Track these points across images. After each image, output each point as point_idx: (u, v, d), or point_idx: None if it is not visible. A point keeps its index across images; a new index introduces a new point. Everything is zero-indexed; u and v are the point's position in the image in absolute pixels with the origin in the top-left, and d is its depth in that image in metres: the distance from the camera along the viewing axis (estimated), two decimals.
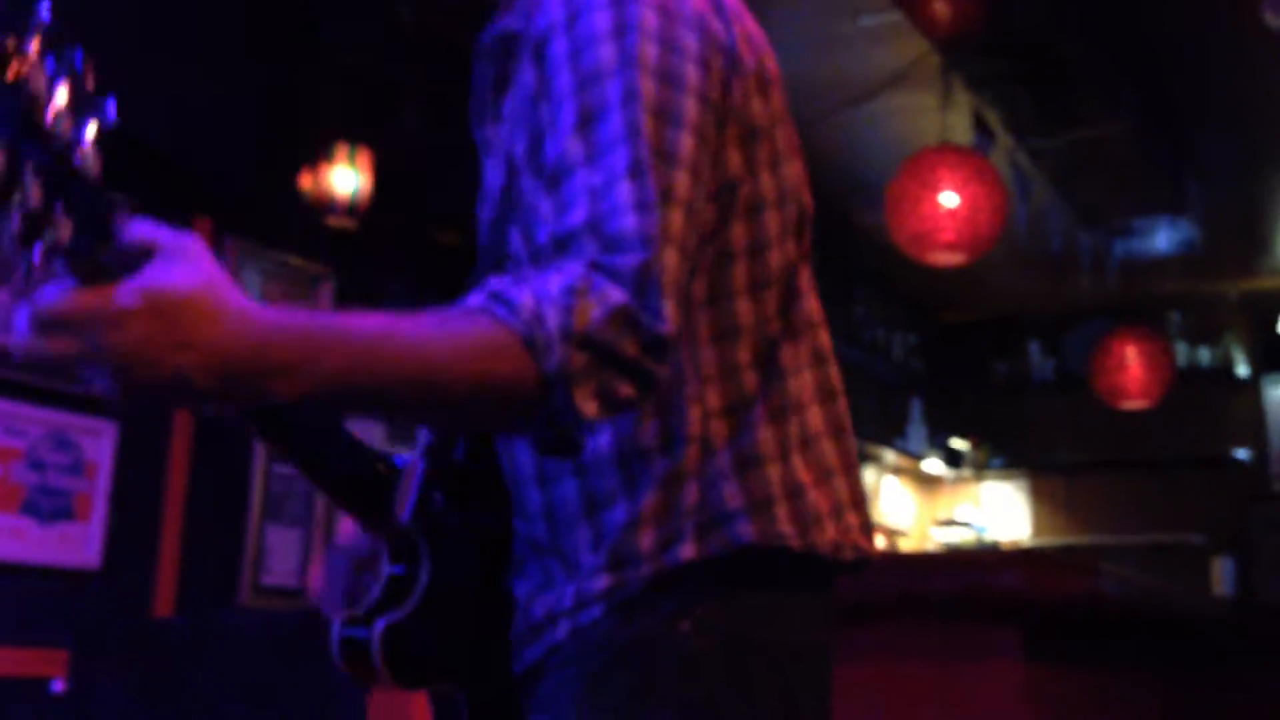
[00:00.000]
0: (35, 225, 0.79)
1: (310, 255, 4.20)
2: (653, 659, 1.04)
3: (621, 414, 0.97)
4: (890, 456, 7.63)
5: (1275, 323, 7.29)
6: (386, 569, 1.14)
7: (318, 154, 4.08)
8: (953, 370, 8.02)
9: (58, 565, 3.40)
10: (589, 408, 0.92)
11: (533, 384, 0.91)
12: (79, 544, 3.44)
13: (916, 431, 7.78)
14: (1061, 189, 5.69)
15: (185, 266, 0.83)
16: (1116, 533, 7.29)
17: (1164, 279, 7.03)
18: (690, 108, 1.01)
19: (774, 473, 1.08)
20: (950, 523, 7.83)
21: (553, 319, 0.90)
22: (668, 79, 1.01)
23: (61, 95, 0.79)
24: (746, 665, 1.06)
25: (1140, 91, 5.07)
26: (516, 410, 0.93)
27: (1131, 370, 6.42)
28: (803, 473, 1.10)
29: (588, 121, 0.99)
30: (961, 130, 4.80)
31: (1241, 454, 7.25)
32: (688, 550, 1.04)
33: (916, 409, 7.81)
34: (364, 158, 4.11)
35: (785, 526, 1.07)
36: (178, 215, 3.44)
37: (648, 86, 1.00)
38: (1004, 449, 7.93)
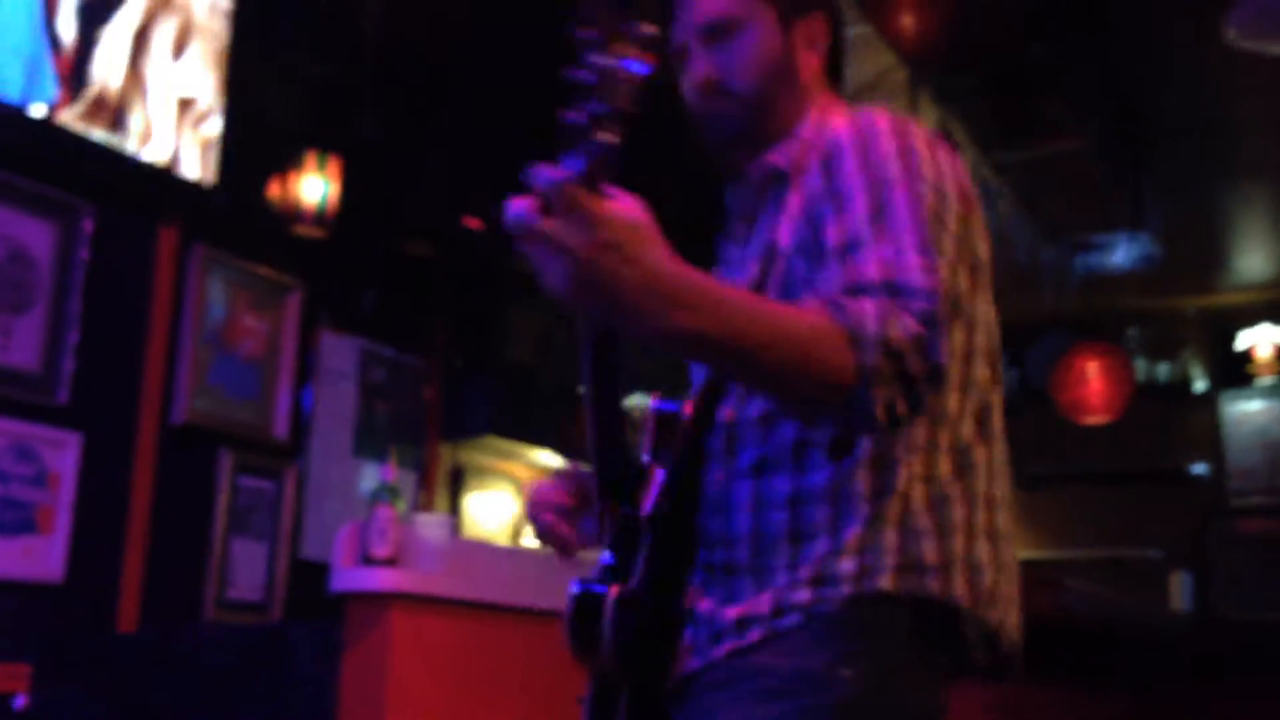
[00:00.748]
0: (595, 124, 1.02)
1: (279, 265, 4.17)
2: (808, 696, 1.21)
3: (891, 429, 1.15)
4: None
5: (1233, 338, 7.39)
6: (608, 549, 1.32)
7: (286, 162, 4.06)
8: None
9: (20, 579, 3.35)
10: (879, 409, 1.11)
11: (850, 372, 1.10)
12: (42, 557, 3.39)
13: None
14: (1026, 203, 5.74)
15: (641, 210, 1.04)
16: (1077, 547, 7.35)
17: (1124, 294, 7.11)
18: (952, 221, 1.27)
19: (960, 545, 1.27)
20: None
21: (872, 326, 1.11)
22: (939, 193, 1.27)
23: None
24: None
25: (1102, 107, 5.13)
26: (829, 391, 1.11)
27: (1092, 385, 6.49)
28: (985, 556, 1.30)
29: (879, 212, 1.23)
30: None
31: (1199, 469, 7.33)
32: (886, 581, 1.23)
33: None
34: (333, 166, 4.09)
35: (961, 591, 1.26)
36: (143, 222, 3.39)
37: (927, 195, 1.25)
38: None
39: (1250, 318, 7.32)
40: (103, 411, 3.60)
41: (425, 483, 4.77)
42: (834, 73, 1.51)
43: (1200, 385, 7.44)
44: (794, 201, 1.35)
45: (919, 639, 1.24)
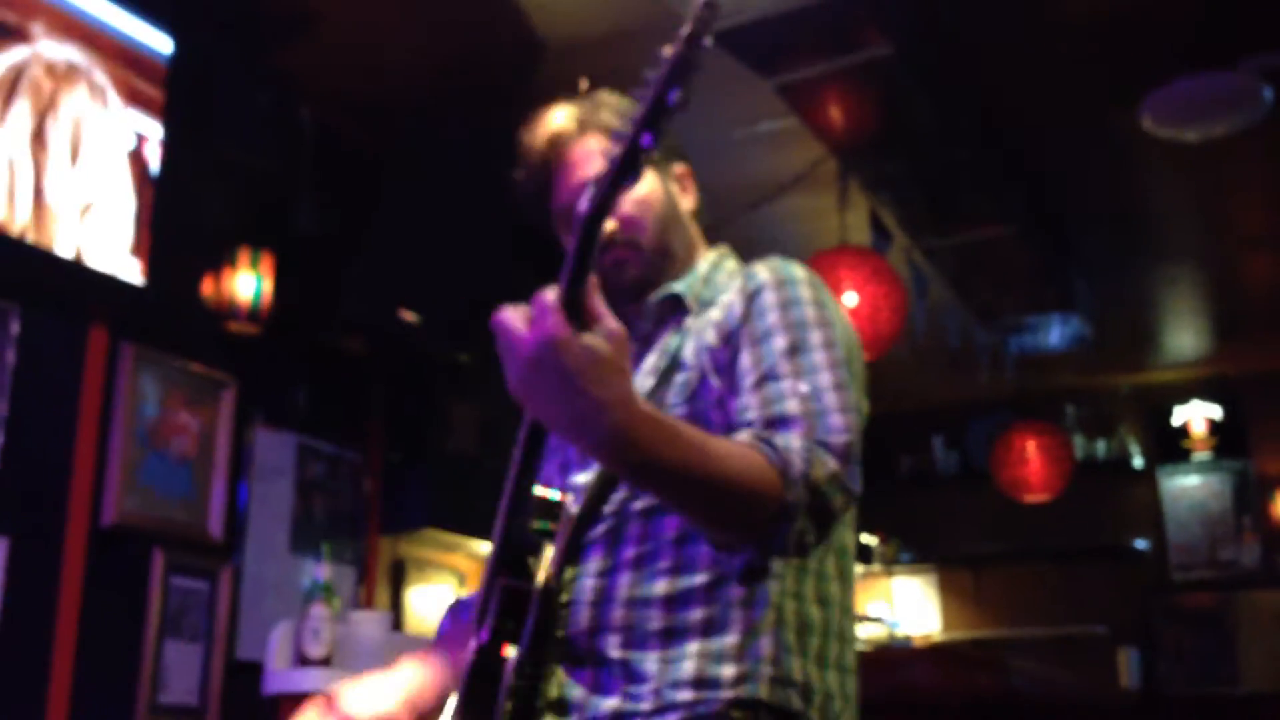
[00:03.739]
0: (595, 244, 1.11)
1: (211, 362, 4.13)
2: None
3: (799, 557, 1.27)
4: None
5: (1168, 415, 7.50)
6: (492, 620, 1.34)
7: (219, 258, 4.04)
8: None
9: None
10: (792, 541, 1.20)
11: (775, 507, 1.18)
12: None
13: None
14: (957, 288, 5.83)
15: (615, 338, 1.08)
16: (1023, 624, 7.35)
17: (1059, 373, 7.21)
18: (856, 369, 1.41)
19: (815, 671, 1.36)
20: (864, 619, 7.84)
21: (798, 465, 1.21)
22: (846, 343, 1.41)
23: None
24: None
25: (1025, 194, 5.25)
26: (752, 523, 1.19)
27: (1032, 463, 6.55)
28: (835, 686, 1.38)
29: (796, 351, 1.35)
30: (860, 230, 4.91)
31: (1141, 544, 7.39)
32: (763, 690, 1.31)
33: None
34: (266, 262, 4.07)
35: (817, 715, 1.35)
36: (72, 321, 3.35)
37: (837, 342, 1.38)
38: (912, 543, 7.99)
39: (1183, 394, 7.45)
40: (30, 514, 3.53)
41: (365, 577, 4.70)
42: (701, 217, 1.66)
43: (1138, 461, 7.53)
44: (694, 325, 1.48)
45: None
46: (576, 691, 1.34)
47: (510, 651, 1.29)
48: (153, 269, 3.78)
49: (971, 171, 4.88)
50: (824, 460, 1.23)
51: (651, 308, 1.54)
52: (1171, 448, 7.47)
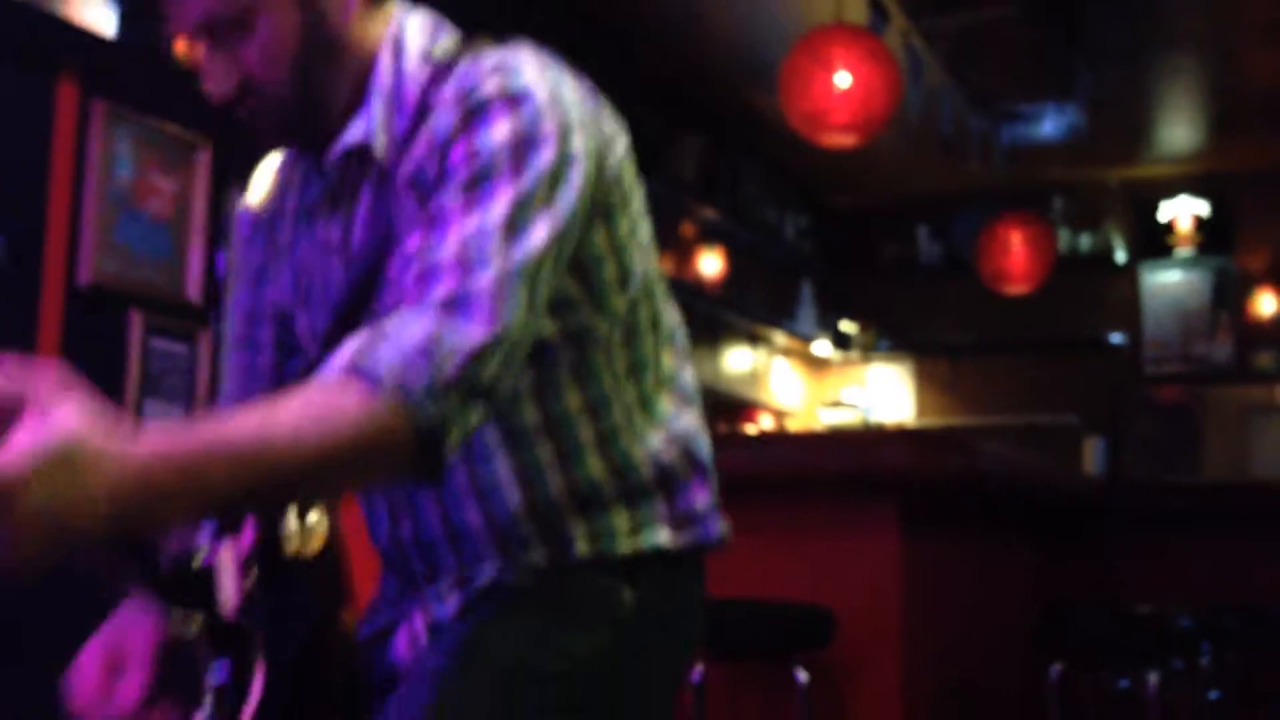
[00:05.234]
0: None
1: (186, 123, 4.03)
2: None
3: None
4: (780, 338, 7.71)
5: (1154, 210, 7.48)
6: (217, 667, 1.19)
7: None
8: (842, 253, 8.09)
9: None
10: (456, 438, 1.05)
11: (410, 441, 1.01)
12: None
13: (806, 314, 7.87)
14: (954, 72, 5.70)
15: (49, 420, 0.84)
16: (996, 414, 7.50)
17: (1048, 166, 7.15)
18: (576, 183, 1.15)
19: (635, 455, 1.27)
20: (837, 404, 7.97)
21: (421, 379, 1.01)
22: (557, 163, 1.14)
23: None
24: None
25: None
26: (398, 463, 1.02)
27: (1015, 255, 6.55)
28: (662, 451, 1.30)
29: (472, 185, 1.11)
30: (857, 9, 4.76)
31: (1117, 338, 7.47)
32: (621, 545, 1.24)
33: (806, 291, 7.88)
34: None
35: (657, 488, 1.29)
36: (41, 74, 3.23)
37: (530, 185, 1.12)
38: (890, 332, 8.06)
39: (1172, 190, 7.41)
40: (4, 273, 3.49)
41: None
42: None
43: (1121, 256, 7.54)
44: (398, 176, 1.21)
45: None
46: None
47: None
48: (125, 21, 3.64)
49: None
50: (452, 347, 1.03)
51: (331, 165, 1.26)
52: (1155, 243, 7.48)
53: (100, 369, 3.77)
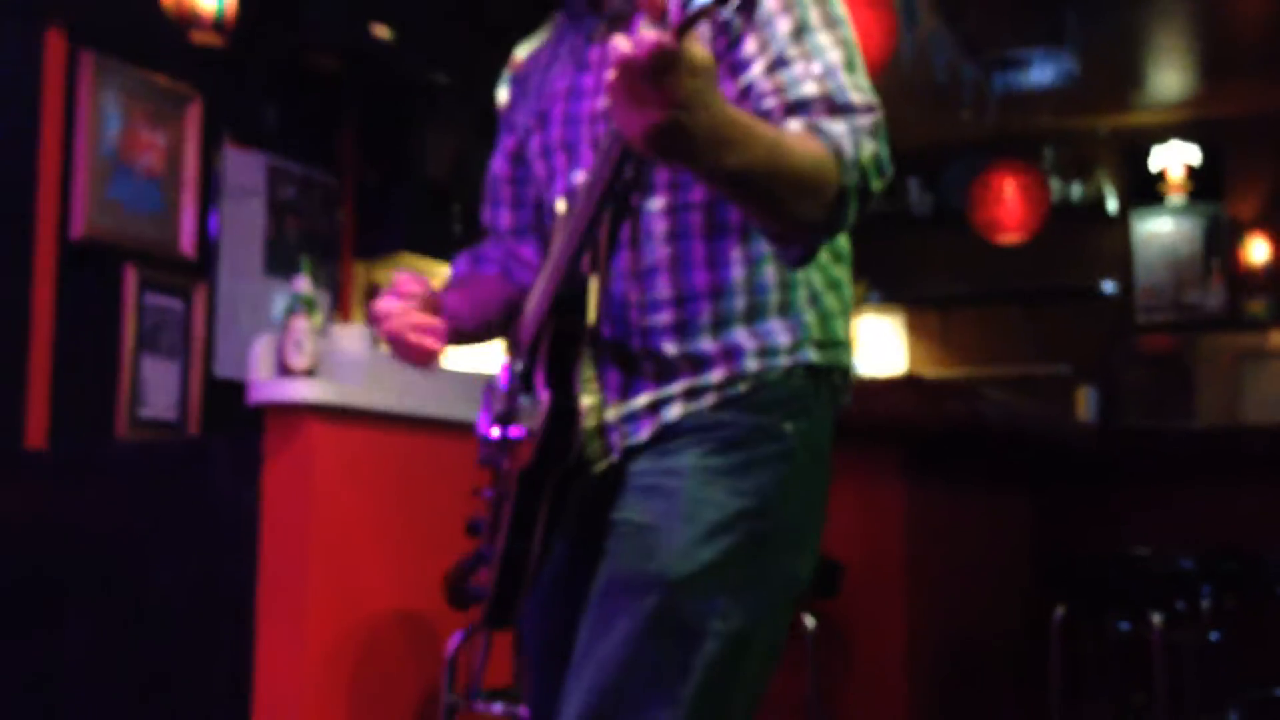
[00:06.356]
0: None
1: (175, 75, 3.97)
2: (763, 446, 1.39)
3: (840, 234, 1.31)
4: None
5: (1145, 158, 7.45)
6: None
7: None
8: None
9: None
10: (845, 222, 1.25)
11: (835, 193, 1.22)
12: None
13: None
14: (947, 17, 5.65)
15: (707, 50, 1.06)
16: (991, 364, 7.50)
17: (1040, 113, 7.10)
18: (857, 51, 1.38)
19: (844, 335, 1.50)
20: None
21: (849, 149, 1.24)
22: (848, 23, 1.38)
23: None
24: None
25: None
26: (820, 210, 1.22)
27: (1008, 204, 6.53)
28: (845, 333, 1.52)
29: (800, 32, 1.32)
30: None
31: (1109, 287, 7.47)
32: (814, 354, 1.41)
33: None
34: None
35: (848, 361, 1.52)
36: (26, 23, 3.16)
37: (837, 20, 1.36)
38: (882, 283, 8.04)
39: (1163, 136, 7.38)
40: None
41: (340, 302, 4.69)
42: None
43: (1112, 205, 7.52)
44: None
45: (831, 398, 1.45)
46: (627, 397, 1.39)
47: (583, 401, 1.34)
48: None
49: None
50: (865, 142, 1.26)
51: (607, 12, 1.44)
52: (1146, 191, 7.46)
53: (95, 324, 3.74)
